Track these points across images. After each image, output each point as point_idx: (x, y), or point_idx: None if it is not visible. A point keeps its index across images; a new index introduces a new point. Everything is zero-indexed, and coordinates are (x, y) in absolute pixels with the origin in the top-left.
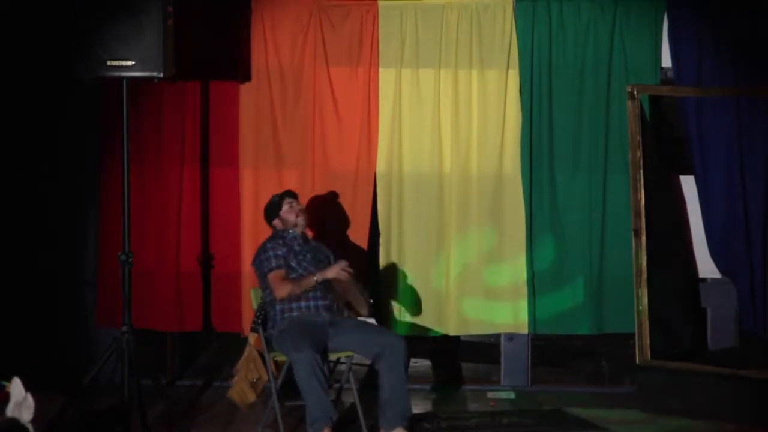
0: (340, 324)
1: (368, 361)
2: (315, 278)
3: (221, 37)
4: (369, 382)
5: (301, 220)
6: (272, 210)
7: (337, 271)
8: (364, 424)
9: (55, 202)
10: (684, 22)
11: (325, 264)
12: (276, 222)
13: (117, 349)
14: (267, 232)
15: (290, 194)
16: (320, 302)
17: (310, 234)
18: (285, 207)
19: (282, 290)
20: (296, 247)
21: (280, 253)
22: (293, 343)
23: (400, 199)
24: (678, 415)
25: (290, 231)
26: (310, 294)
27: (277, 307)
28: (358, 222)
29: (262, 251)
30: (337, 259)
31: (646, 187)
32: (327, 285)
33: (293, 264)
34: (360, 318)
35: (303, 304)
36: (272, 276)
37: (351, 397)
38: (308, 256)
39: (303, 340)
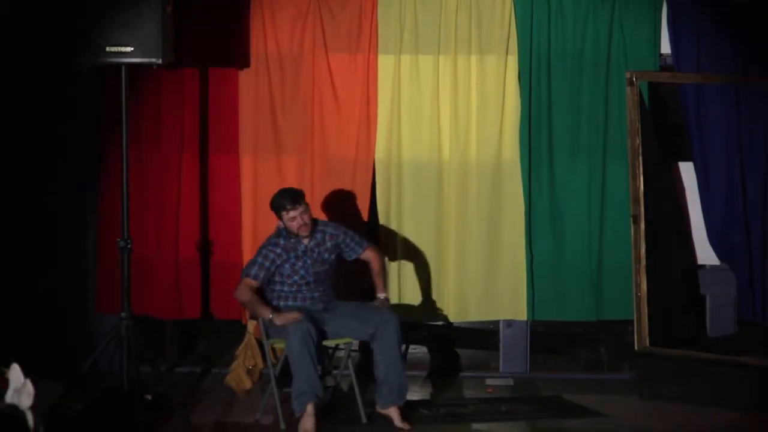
0: (335, 309)
1: (365, 341)
2: (267, 317)
3: (220, 23)
4: (367, 368)
5: (303, 232)
6: (275, 209)
7: (284, 320)
8: (363, 411)
9: (54, 189)
10: (684, 8)
11: (329, 265)
12: (279, 222)
13: (116, 335)
14: (266, 218)
15: (297, 201)
16: (315, 294)
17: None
18: (289, 215)
19: (240, 295)
20: (299, 252)
21: (267, 264)
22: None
23: (399, 185)
24: (676, 402)
25: (282, 233)
26: (306, 293)
27: (273, 302)
28: (357, 209)
29: (258, 250)
30: (353, 239)
31: (645, 174)
32: (324, 274)
33: (287, 270)
34: (355, 302)
35: (300, 303)
36: (244, 281)
37: (350, 383)
38: (308, 261)
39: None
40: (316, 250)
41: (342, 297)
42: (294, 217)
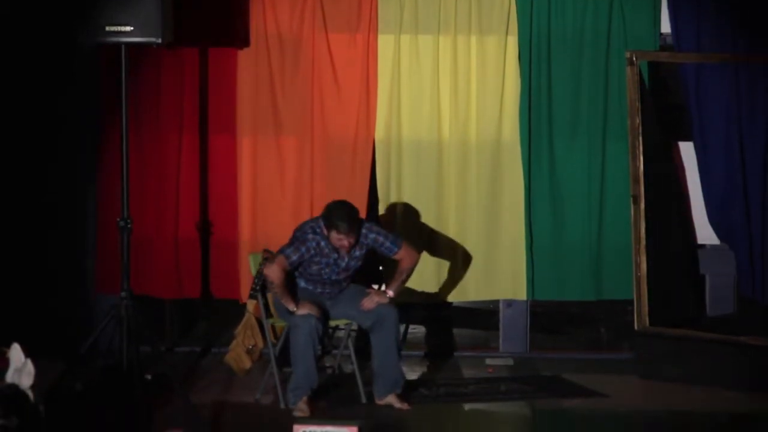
0: (339, 295)
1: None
2: (293, 309)
3: (220, 3)
4: (367, 348)
5: (343, 251)
6: (326, 223)
7: (306, 310)
8: (363, 390)
9: (54, 169)
10: None
11: (352, 271)
12: (324, 228)
13: (116, 315)
14: (264, 198)
15: (352, 229)
16: (327, 290)
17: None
18: (338, 236)
19: (272, 274)
20: (330, 259)
21: (307, 255)
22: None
23: (399, 165)
24: (676, 382)
25: (322, 235)
26: (319, 288)
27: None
28: (356, 189)
29: (301, 232)
30: (383, 243)
31: (645, 154)
32: (345, 280)
33: (313, 269)
34: (359, 286)
35: (310, 287)
36: (280, 258)
37: (350, 363)
38: (336, 269)
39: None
40: (346, 257)
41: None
42: (341, 239)
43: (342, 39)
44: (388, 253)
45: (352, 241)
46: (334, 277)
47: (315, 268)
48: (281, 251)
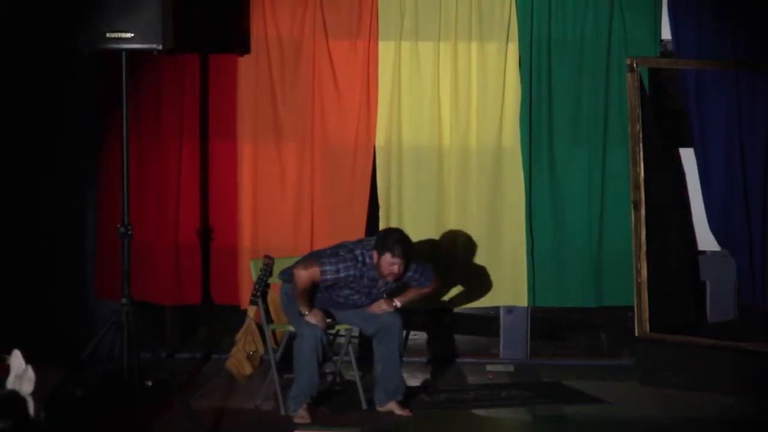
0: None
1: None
2: (305, 312)
3: (220, 9)
4: (368, 353)
5: (390, 280)
6: (380, 246)
7: (314, 320)
8: (363, 397)
9: (54, 175)
10: None
11: (375, 298)
12: (374, 254)
13: (117, 321)
14: (265, 204)
15: (407, 256)
16: (342, 306)
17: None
18: (391, 260)
19: (301, 280)
20: (364, 289)
21: (342, 278)
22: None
23: (400, 172)
24: (677, 388)
25: (369, 267)
26: (336, 305)
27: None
28: (357, 195)
29: (352, 255)
30: (417, 279)
31: (646, 160)
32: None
33: (342, 295)
34: None
35: (327, 296)
36: (315, 270)
37: (350, 369)
38: (363, 298)
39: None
40: (382, 288)
41: None
42: (393, 264)
43: (342, 45)
44: (419, 287)
45: (401, 270)
46: (358, 303)
47: (346, 291)
48: (321, 262)
